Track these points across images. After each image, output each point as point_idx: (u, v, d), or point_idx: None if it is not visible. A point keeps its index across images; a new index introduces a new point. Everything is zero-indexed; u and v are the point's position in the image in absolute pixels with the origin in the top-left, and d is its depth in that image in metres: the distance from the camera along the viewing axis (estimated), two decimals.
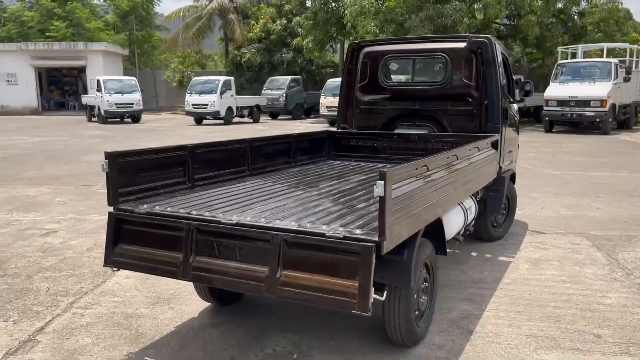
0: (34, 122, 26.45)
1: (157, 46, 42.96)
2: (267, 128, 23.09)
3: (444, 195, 3.68)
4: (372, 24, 22.90)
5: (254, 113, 26.71)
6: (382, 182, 2.63)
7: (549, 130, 20.60)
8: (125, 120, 26.92)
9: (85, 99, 28.59)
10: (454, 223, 4.26)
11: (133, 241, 3.39)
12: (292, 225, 3.03)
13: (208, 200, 3.76)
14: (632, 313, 4.20)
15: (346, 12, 24.31)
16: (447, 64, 5.70)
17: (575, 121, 20.11)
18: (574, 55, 23.56)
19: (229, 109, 25.04)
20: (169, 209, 3.41)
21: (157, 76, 38.87)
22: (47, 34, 34.94)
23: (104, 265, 3.47)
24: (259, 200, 3.85)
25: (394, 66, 6.32)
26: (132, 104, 25.51)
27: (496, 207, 5.65)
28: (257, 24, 34.14)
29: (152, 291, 4.64)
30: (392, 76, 6.27)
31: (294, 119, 29.07)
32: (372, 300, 2.74)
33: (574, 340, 3.75)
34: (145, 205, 3.49)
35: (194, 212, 3.32)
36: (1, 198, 8.48)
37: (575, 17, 24.87)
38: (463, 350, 3.62)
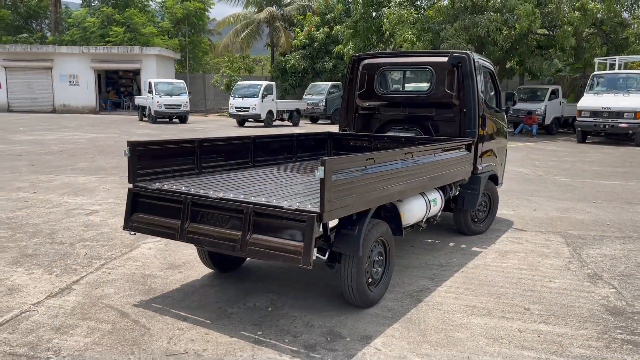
0: (91, 120, 28.42)
1: (207, 51, 44.93)
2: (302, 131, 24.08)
3: (398, 185, 4.47)
4: (410, 32, 23.57)
5: (294, 117, 27.78)
6: (322, 168, 3.48)
7: (581, 141, 20.68)
8: (174, 120, 28.56)
9: (138, 100, 30.46)
10: (414, 211, 5.03)
11: (145, 211, 4.36)
12: (261, 200, 3.92)
13: (208, 182, 4.70)
14: (567, 295, 4.85)
15: (385, 21, 25.04)
16: (432, 75, 6.46)
17: (608, 132, 20.17)
18: (612, 67, 23.46)
19: (270, 112, 26.23)
20: (174, 187, 4.36)
21: (207, 79, 40.66)
22: (106, 38, 37.26)
23: (123, 229, 4.47)
24: (248, 183, 4.76)
25: (394, 76, 7.14)
26: (180, 105, 27.07)
27: (472, 203, 6.35)
28: (302, 31, 35.31)
29: (168, 259, 5.62)
30: (389, 85, 7.09)
31: (333, 123, 29.99)
32: (314, 257, 3.59)
33: (504, 311, 4.47)
34: (157, 184, 4.45)
35: (192, 190, 4.26)
36: (56, 184, 9.74)
37: (618, 28, 24.69)
38: (408, 313, 4.39)
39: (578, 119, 20.50)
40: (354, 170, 3.87)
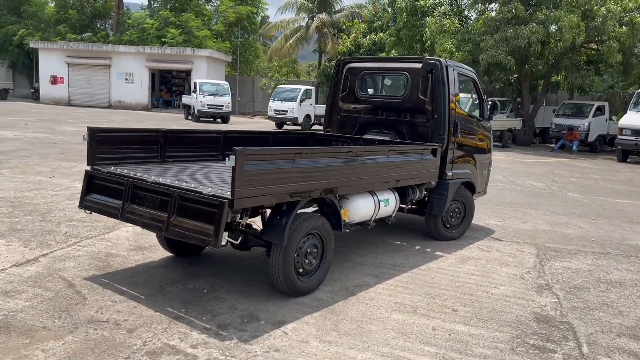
0: (139, 117, 29.72)
1: (258, 54, 46.00)
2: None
3: (334, 181, 4.65)
4: (450, 42, 23.42)
5: None
6: (234, 157, 3.73)
7: (622, 160, 19.90)
8: (217, 120, 29.46)
9: (185, 99, 31.59)
10: (359, 209, 5.18)
11: (98, 191, 4.73)
12: (188, 186, 4.20)
13: (161, 169, 5.03)
14: (504, 301, 4.88)
15: (427, 30, 24.97)
16: (407, 81, 6.58)
17: None
18: None
19: (307, 116, 26.65)
20: (124, 171, 4.71)
21: (256, 82, 41.65)
22: (162, 39, 38.84)
23: (78, 207, 4.87)
24: (202, 173, 5.07)
25: (381, 81, 7.32)
26: (222, 105, 27.90)
27: (440, 208, 6.42)
28: (349, 38, 35.61)
29: (137, 242, 6.00)
30: (369, 89, 7.25)
31: None
32: (223, 240, 3.85)
33: (430, 310, 4.56)
34: (112, 168, 4.83)
35: (138, 175, 4.59)
36: (74, 171, 10.41)
37: None
38: (334, 304, 4.56)
39: (619, 137, 19.79)
40: (275, 162, 4.09)
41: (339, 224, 4.93)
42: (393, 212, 5.73)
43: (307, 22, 40.53)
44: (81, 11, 42.43)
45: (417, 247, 6.48)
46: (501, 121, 25.18)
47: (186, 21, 39.64)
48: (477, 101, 7.21)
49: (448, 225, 6.80)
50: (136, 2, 49.51)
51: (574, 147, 22.88)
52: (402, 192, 5.97)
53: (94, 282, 4.75)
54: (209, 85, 28.65)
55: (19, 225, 6.35)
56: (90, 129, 4.79)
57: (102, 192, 4.68)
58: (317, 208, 5.10)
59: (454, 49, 23.42)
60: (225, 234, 3.90)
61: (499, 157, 18.95)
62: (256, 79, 43.09)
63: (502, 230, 7.66)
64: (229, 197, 3.82)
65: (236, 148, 3.74)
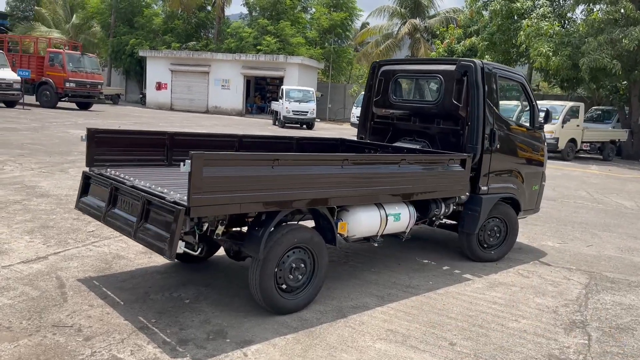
0: (230, 121, 30.73)
1: (351, 61, 45.94)
2: None
3: (325, 191, 4.26)
4: (546, 46, 21.78)
5: None
6: (189, 162, 3.48)
7: None
8: (303, 126, 29.69)
9: (273, 105, 32.22)
10: (361, 223, 4.71)
11: (91, 193, 4.71)
12: (155, 191, 4.00)
13: (158, 173, 4.91)
14: (518, 337, 4.20)
15: (521, 33, 23.45)
16: (441, 84, 5.99)
17: None
18: None
19: None
20: (114, 173, 4.64)
21: (347, 89, 41.62)
22: (258, 47, 40.03)
23: (74, 208, 4.88)
24: None
25: (410, 84, 6.76)
26: (307, 112, 28.06)
27: (472, 226, 5.76)
28: (442, 43, 34.45)
29: None
30: (403, 93, 6.72)
31: None
32: (178, 250, 3.61)
33: (423, 342, 4.02)
34: (109, 170, 4.78)
35: (120, 177, 4.48)
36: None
37: None
38: (317, 327, 4.16)
39: None
40: (244, 168, 3.79)
41: (332, 237, 4.53)
42: (407, 228, 5.20)
43: (400, 27, 39.83)
44: (186, 21, 44.87)
45: (445, 268, 5.86)
46: (602, 132, 23.02)
47: (282, 29, 40.55)
48: (528, 108, 6.43)
49: (485, 245, 6.10)
50: (237, 13, 51.53)
51: None
52: (424, 206, 5.42)
53: (84, 283, 4.72)
54: (296, 92, 28.97)
55: (51, 223, 6.57)
56: (89, 130, 4.78)
57: (93, 194, 4.65)
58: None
59: (550, 53, 21.76)
60: (182, 244, 3.67)
61: (591, 172, 17.28)
62: (347, 86, 43.05)
63: (556, 253, 6.77)
64: (185, 204, 3.58)
65: (193, 152, 3.49)
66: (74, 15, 47.92)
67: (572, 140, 21.20)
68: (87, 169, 4.85)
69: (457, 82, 5.79)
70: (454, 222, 6.14)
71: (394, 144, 6.38)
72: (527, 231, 7.86)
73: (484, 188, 5.79)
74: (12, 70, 26.16)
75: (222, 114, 38.86)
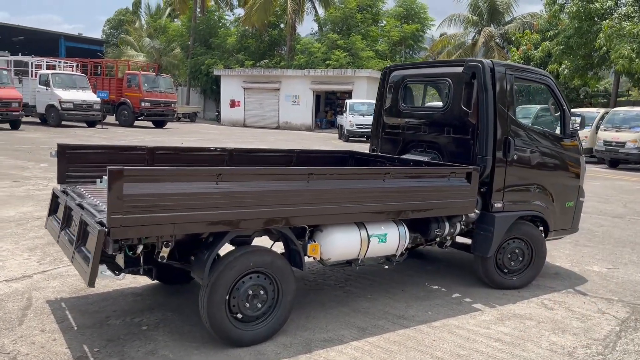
0: (297, 136, 30.80)
1: None
2: None
3: (282, 210, 3.79)
4: (628, 47, 19.96)
5: None
6: (107, 178, 3.16)
7: None
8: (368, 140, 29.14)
9: (339, 119, 31.94)
10: (336, 244, 4.17)
11: (58, 212, 4.53)
12: (89, 210, 3.71)
13: None
14: None
15: (601, 35, 21.68)
16: (450, 89, 5.32)
17: None
18: None
19: None
20: (77, 189, 4.42)
21: None
22: (327, 62, 40.10)
23: (45, 227, 4.72)
24: None
25: (419, 90, 6.12)
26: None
27: (483, 247, 5.04)
28: (517, 50, 32.70)
29: None
30: (413, 100, 6.09)
31: None
32: (100, 276, 3.29)
33: None
34: (79, 187, 4.58)
35: (82, 195, 4.26)
36: None
37: None
38: None
39: None
40: (178, 184, 3.41)
41: (299, 261, 4.04)
42: (397, 251, 4.58)
43: (474, 36, 38.37)
44: (259, 40, 45.92)
45: (454, 296, 5.16)
46: None
47: (353, 43, 40.39)
48: (558, 113, 5.60)
49: (506, 270, 5.32)
50: (308, 29, 52.03)
51: None
52: (423, 226, 4.80)
53: (50, 305, 4.53)
54: (359, 105, 28.54)
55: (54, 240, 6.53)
56: (59, 146, 4.63)
57: (58, 213, 4.47)
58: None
59: (633, 55, 19.91)
60: (104, 268, 3.34)
61: None
62: None
63: (600, 280, 5.83)
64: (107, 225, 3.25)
65: (110, 167, 3.17)
66: (156, 39, 50.55)
67: None
68: (58, 186, 4.70)
69: (466, 85, 5.12)
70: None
71: (401, 157, 5.77)
72: (573, 253, 6.90)
73: (498, 205, 5.05)
74: (93, 92, 27.81)
75: (292, 129, 39.14)
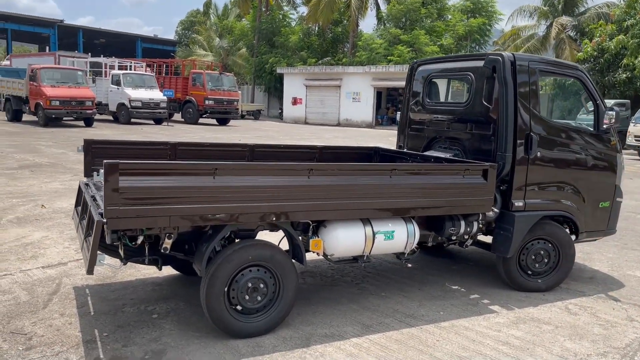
0: (355, 133, 30.74)
1: None
2: None
3: (280, 205, 3.82)
4: None
5: None
6: (103, 171, 3.32)
7: None
8: None
9: (397, 116, 31.58)
10: (340, 241, 4.15)
11: (80, 204, 4.80)
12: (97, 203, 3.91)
13: None
14: None
15: None
16: (472, 83, 5.15)
17: None
18: None
19: None
20: (95, 182, 4.66)
21: None
22: (388, 57, 39.69)
23: (72, 218, 5.01)
24: None
25: (444, 85, 5.94)
26: None
27: (503, 248, 4.85)
28: (590, 42, 30.96)
29: None
30: (438, 96, 5.93)
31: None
32: (99, 265, 3.46)
33: None
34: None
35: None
36: None
37: None
38: (266, 355, 3.73)
39: None
40: (173, 178, 3.52)
41: (300, 256, 4.06)
42: (406, 248, 4.49)
43: (546, 29, 36.72)
44: (322, 37, 46.17)
45: (472, 296, 5.00)
46: None
47: (417, 37, 39.78)
48: (592, 108, 5.28)
49: (530, 272, 5.10)
50: (370, 25, 51.69)
51: None
52: (438, 224, 4.69)
53: (76, 292, 4.80)
54: None
55: None
56: (85, 141, 4.89)
57: (80, 205, 4.73)
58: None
59: None
60: (103, 257, 3.51)
61: None
62: None
63: (639, 286, 5.46)
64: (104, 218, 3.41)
65: (106, 161, 3.32)
66: (224, 39, 51.98)
67: None
68: (84, 179, 4.97)
69: (487, 79, 4.94)
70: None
71: (423, 153, 5.66)
72: (617, 257, 6.51)
73: (519, 204, 4.84)
74: (160, 90, 29.02)
75: (353, 126, 39.08)
